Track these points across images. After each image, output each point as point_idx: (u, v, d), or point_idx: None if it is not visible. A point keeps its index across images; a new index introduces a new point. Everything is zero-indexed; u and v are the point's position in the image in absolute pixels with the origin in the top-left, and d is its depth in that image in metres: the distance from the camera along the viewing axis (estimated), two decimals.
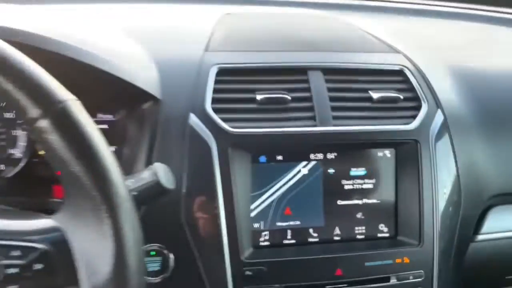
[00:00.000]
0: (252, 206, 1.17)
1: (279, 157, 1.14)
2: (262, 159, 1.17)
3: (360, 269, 1.15)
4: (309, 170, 1.15)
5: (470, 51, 1.41)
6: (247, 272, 1.08)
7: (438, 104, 1.16)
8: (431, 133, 1.15)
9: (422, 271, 1.17)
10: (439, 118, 1.17)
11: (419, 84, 1.17)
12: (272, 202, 1.14)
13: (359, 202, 1.16)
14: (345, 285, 1.14)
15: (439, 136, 1.16)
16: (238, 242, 1.03)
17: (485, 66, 1.35)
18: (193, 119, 1.03)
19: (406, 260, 1.14)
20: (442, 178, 1.14)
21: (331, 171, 1.16)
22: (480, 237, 1.23)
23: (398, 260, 1.13)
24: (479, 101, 1.25)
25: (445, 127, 1.18)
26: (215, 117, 1.03)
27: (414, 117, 1.14)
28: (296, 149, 1.12)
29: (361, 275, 1.15)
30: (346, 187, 1.16)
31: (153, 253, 1.00)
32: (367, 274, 1.15)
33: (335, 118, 1.10)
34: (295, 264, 1.08)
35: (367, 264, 1.15)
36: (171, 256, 1.01)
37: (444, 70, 1.27)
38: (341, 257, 1.10)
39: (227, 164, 1.02)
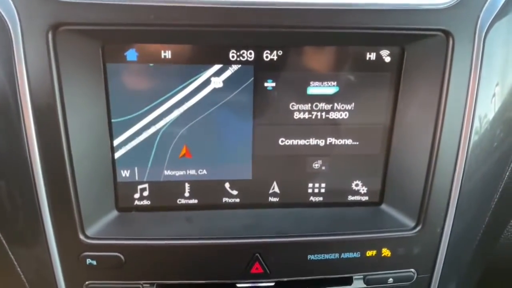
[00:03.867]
0: (116, 141, 0.64)
1: (165, 54, 0.64)
2: (131, 55, 0.60)
3: (297, 266, 0.66)
4: (227, 81, 0.66)
5: None
6: (89, 261, 0.62)
7: None
8: (481, 18, 0.62)
9: (413, 271, 0.67)
10: None
11: None
12: (154, 135, 0.68)
13: (320, 142, 0.70)
14: (272, 284, 0.67)
15: (496, 25, 0.63)
16: (76, 204, 0.64)
17: None
18: None
19: (386, 252, 0.64)
20: (486, 105, 0.65)
21: (270, 84, 0.66)
22: None
23: (370, 253, 0.64)
24: None
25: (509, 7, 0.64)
26: None
27: None
28: (199, 38, 0.62)
29: (299, 275, 0.67)
30: (297, 115, 0.69)
31: None
32: (310, 274, 0.67)
33: None
34: (189, 250, 0.67)
35: (310, 257, 0.66)
36: None
37: None
38: (265, 244, 0.68)
39: (49, 62, 0.58)
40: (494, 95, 0.65)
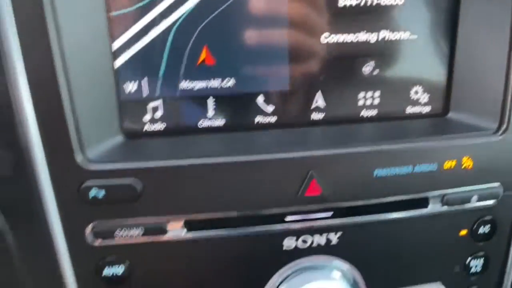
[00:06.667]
0: (116, 44, 0.50)
1: None
2: None
3: (360, 185, 0.52)
4: None
5: None
6: (93, 193, 0.46)
7: None
8: None
9: (499, 186, 0.54)
10: None
11: None
12: (165, 33, 0.52)
13: (371, 37, 0.56)
14: (330, 215, 0.53)
15: None
16: (73, 117, 0.48)
17: None
18: None
19: (467, 162, 0.50)
20: None
21: None
22: None
23: (449, 163, 0.54)
24: None
25: None
26: None
27: None
28: None
29: (364, 196, 0.53)
30: (342, 1, 0.55)
31: None
32: (377, 195, 0.53)
33: None
34: (224, 171, 0.52)
35: (376, 173, 0.52)
36: None
37: None
38: (320, 158, 0.53)
39: None
40: None
